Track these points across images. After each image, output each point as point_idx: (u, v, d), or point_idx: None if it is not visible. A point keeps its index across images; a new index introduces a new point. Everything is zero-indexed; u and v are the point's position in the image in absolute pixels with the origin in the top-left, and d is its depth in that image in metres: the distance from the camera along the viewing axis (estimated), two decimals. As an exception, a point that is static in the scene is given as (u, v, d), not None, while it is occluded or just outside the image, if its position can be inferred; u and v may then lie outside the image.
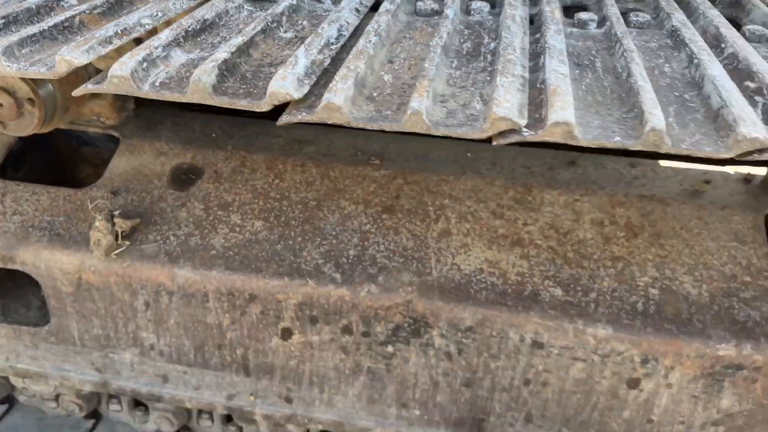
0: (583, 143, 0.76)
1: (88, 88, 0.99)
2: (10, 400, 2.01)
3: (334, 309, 1.39)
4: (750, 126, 0.75)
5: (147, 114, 1.80)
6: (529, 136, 0.77)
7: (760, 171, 1.57)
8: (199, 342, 1.51)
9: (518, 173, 1.56)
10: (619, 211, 1.46)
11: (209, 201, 1.53)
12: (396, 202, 1.50)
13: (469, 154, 1.64)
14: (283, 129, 1.76)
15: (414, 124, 0.81)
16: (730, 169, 1.63)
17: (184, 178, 1.58)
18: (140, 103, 1.84)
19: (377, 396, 1.51)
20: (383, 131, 1.79)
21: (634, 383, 1.34)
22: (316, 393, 1.53)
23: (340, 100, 0.82)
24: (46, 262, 1.46)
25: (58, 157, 2.01)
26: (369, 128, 0.86)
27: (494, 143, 0.80)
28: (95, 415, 2.00)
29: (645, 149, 0.75)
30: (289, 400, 1.56)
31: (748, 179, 1.57)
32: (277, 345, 1.47)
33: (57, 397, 1.93)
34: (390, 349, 1.43)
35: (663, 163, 1.65)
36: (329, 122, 0.85)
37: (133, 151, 1.65)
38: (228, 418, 1.90)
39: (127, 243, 1.45)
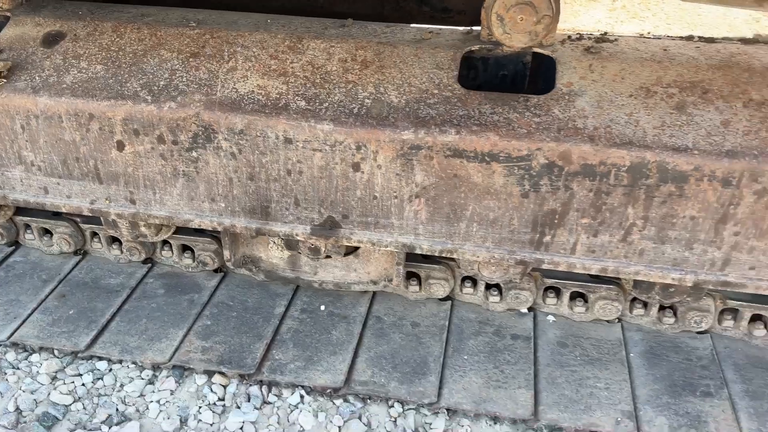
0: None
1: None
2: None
3: (148, 122, 1.94)
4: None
5: (36, 1, 2.33)
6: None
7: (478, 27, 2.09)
8: (62, 157, 2.08)
9: (299, 31, 2.09)
10: (360, 53, 1.99)
11: (67, 54, 2.07)
12: (201, 50, 2.04)
13: (269, 21, 2.17)
14: (134, 7, 2.29)
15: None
16: (462, 28, 2.16)
17: (51, 40, 2.12)
18: (32, -6, 2.38)
19: (193, 194, 2.07)
20: (210, 8, 2.29)
21: (356, 167, 1.90)
22: (150, 194, 2.10)
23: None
24: (-52, 97, 2.02)
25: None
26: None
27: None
28: (15, 243, 2.59)
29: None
30: (133, 202, 2.13)
31: (469, 32, 2.10)
32: (116, 156, 2.04)
33: (-18, 228, 2.52)
34: (194, 154, 1.99)
35: (413, 25, 2.18)
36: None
37: (18, 24, 2.19)
38: (113, 239, 2.49)
39: (4, 81, 2.00)
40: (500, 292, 2.27)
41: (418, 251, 2.03)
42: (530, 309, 2.30)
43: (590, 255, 1.93)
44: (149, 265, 2.51)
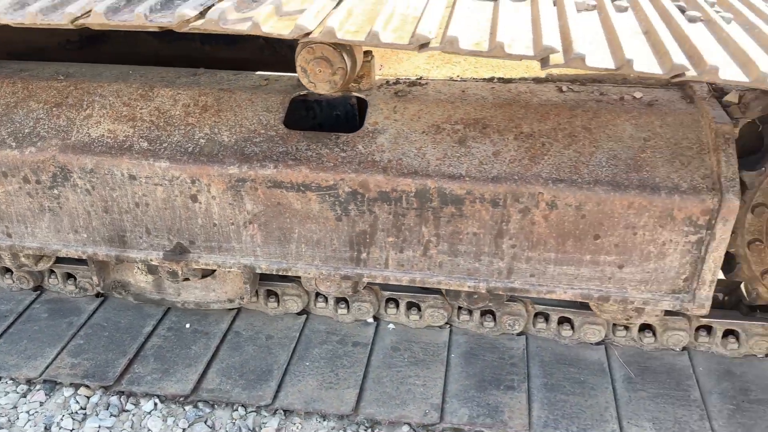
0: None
1: None
2: None
3: (14, 165, 2.21)
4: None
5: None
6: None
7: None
8: (-58, 197, 2.33)
9: (153, 80, 2.38)
10: (202, 98, 2.28)
11: (-56, 106, 2.34)
12: (65, 101, 2.32)
13: (130, 72, 2.46)
14: (16, 63, 2.57)
15: None
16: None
17: (-67, 94, 2.39)
18: None
19: (59, 226, 2.33)
20: (83, 61, 2.56)
21: (194, 198, 2.18)
22: (23, 228, 2.36)
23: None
24: None
25: None
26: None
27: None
28: None
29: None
30: (9, 235, 2.39)
31: (296, 81, 2.39)
32: (-11, 195, 2.30)
33: None
34: (56, 191, 2.26)
35: (259, 72, 2.48)
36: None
37: None
38: (6, 270, 2.73)
39: None
40: (347, 305, 2.55)
41: (258, 271, 2.30)
42: (376, 319, 2.58)
43: (400, 268, 2.21)
44: (39, 292, 2.76)
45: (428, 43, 1.51)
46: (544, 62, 1.47)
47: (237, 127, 2.20)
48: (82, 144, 2.20)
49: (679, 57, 1.50)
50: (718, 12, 1.82)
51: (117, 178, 2.19)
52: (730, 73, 1.48)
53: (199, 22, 1.57)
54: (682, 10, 1.85)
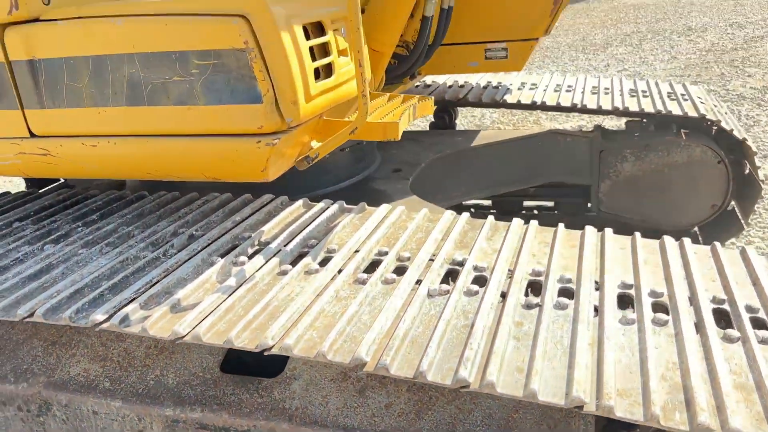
0: None
1: None
2: None
3: (10, 396, 2.69)
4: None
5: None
6: None
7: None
8: (-39, 418, 2.84)
9: (132, 319, 2.85)
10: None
11: (-27, 342, 2.91)
12: (59, 340, 2.83)
13: (118, 309, 2.95)
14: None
15: None
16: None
17: (-31, 330, 2.99)
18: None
19: (45, 446, 2.75)
20: None
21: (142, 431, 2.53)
22: None
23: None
24: None
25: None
26: None
27: None
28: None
29: None
30: None
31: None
32: (-6, 418, 2.78)
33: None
34: (41, 419, 2.70)
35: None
36: None
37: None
38: None
39: (-75, 366, 2.84)
40: None
41: (193, 494, 2.56)
42: None
43: (313, 506, 2.39)
44: (40, 491, 3.16)
45: (270, 347, 1.83)
46: (358, 369, 1.72)
47: (182, 370, 2.58)
48: (62, 381, 2.66)
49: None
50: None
51: (84, 413, 2.60)
52: None
53: (106, 324, 2.00)
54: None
